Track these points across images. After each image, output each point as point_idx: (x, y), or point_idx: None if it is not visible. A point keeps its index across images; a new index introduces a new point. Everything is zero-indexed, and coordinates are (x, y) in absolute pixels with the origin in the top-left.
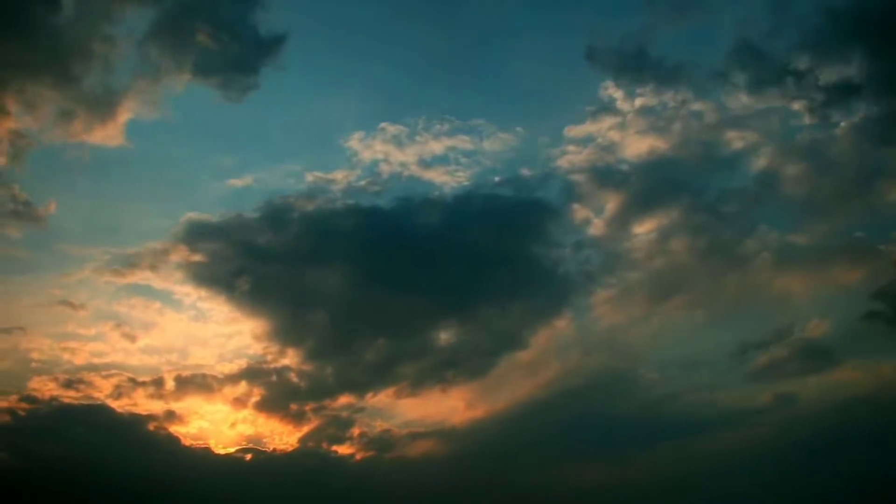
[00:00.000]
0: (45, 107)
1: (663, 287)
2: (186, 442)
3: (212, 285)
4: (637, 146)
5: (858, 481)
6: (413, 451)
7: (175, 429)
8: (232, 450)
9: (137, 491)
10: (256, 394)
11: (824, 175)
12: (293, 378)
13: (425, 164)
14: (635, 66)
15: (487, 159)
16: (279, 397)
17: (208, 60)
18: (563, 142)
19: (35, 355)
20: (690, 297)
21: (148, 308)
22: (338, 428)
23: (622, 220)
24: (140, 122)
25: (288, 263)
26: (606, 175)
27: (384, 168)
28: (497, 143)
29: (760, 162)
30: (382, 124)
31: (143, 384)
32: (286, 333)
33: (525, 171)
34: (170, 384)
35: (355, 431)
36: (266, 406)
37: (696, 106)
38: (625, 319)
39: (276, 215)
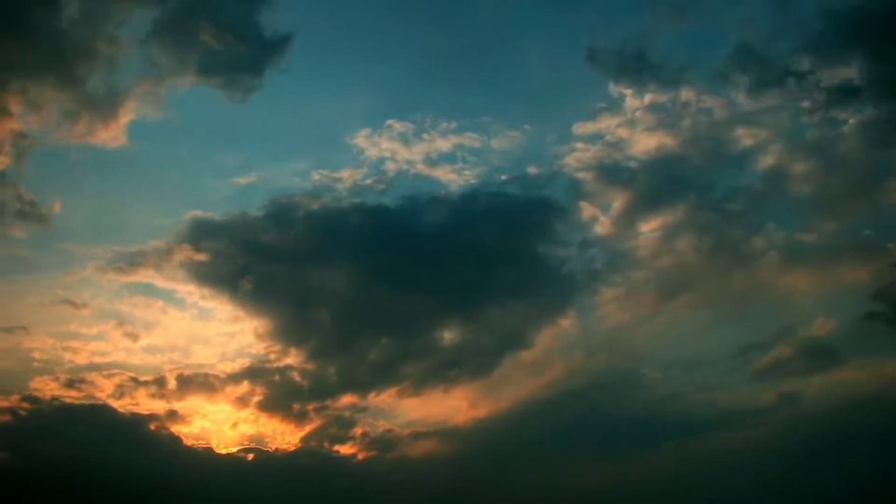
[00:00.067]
0: (49, 108)
1: (669, 286)
2: (188, 442)
3: (215, 284)
4: (645, 143)
5: (862, 481)
6: (415, 451)
7: (177, 428)
8: (234, 449)
9: (139, 491)
10: (259, 393)
11: (832, 173)
12: (296, 377)
13: (432, 162)
14: (636, 68)
15: (495, 157)
16: (281, 397)
17: (213, 61)
18: (572, 139)
19: (37, 355)
20: (696, 296)
21: (150, 307)
22: (340, 428)
23: (628, 219)
24: (144, 122)
25: (292, 262)
26: (614, 172)
27: (390, 166)
28: (505, 141)
29: (768, 160)
30: (389, 121)
31: (145, 384)
32: (289, 332)
33: (532, 169)
34: (172, 384)
35: (357, 431)
36: (268, 405)
37: (705, 102)
38: (629, 318)
39: (281, 214)
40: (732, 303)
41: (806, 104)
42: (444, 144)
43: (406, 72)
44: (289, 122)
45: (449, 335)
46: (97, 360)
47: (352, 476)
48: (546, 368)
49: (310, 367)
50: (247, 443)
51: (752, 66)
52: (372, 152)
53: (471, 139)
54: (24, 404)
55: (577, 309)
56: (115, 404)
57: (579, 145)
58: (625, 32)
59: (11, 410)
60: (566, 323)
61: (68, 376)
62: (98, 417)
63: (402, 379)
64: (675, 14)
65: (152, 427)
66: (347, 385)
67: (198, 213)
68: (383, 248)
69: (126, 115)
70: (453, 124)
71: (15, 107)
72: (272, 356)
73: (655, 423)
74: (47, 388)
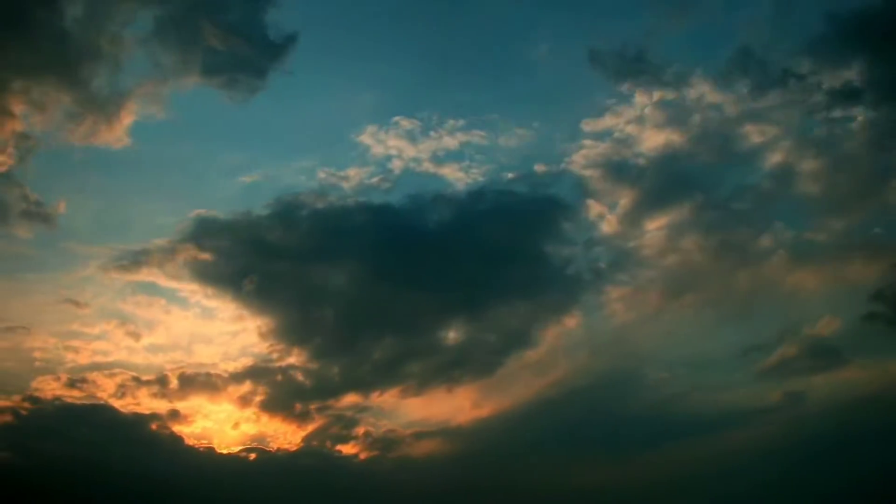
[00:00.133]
0: (52, 108)
1: (674, 285)
2: (190, 441)
3: (218, 283)
4: (653, 140)
5: (866, 480)
6: (418, 451)
7: (178, 428)
8: (236, 449)
9: (140, 491)
10: (261, 393)
11: (840, 171)
12: (298, 377)
13: (438, 159)
14: (636, 70)
15: (502, 155)
16: (284, 396)
17: (216, 61)
18: (580, 136)
19: (39, 354)
20: (701, 296)
21: (153, 306)
22: (342, 427)
23: (635, 217)
24: (147, 122)
25: (296, 261)
26: (621, 170)
27: (396, 164)
28: (512, 139)
29: (776, 157)
30: (396, 118)
31: (147, 383)
32: (292, 332)
33: (540, 167)
34: (174, 383)
35: (360, 431)
36: (270, 405)
37: (714, 98)
38: (635, 317)
39: (286, 212)
40: (738, 302)
41: (807, 106)
42: (450, 142)
43: (413, 70)
44: (294, 119)
45: (453, 334)
46: (99, 359)
47: (354, 476)
48: (550, 368)
49: (313, 366)
50: (249, 442)
51: (752, 67)
52: (378, 150)
53: (478, 137)
54: (26, 404)
55: (582, 308)
56: (117, 404)
57: (587, 142)
58: (629, 31)
59: (13, 410)
60: (571, 322)
61: (70, 376)
62: (100, 417)
63: (405, 378)
64: (678, 14)
65: (154, 427)
66: (350, 385)
67: (202, 211)
68: (388, 247)
69: (129, 116)
70: (460, 122)
71: (18, 108)
72: (275, 356)
73: (660, 422)
74: (49, 387)
